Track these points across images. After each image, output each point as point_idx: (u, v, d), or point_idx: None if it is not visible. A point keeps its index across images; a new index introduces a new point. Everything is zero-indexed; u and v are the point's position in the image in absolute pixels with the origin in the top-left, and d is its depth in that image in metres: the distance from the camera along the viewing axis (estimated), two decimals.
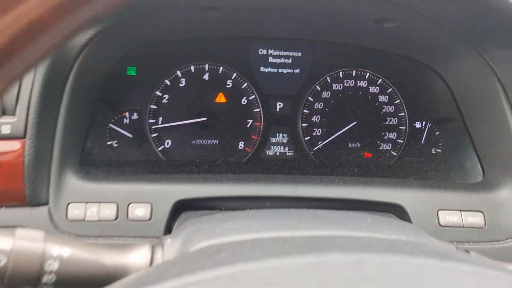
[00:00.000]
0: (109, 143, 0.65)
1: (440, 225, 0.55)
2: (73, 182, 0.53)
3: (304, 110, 0.69)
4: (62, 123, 0.53)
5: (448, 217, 0.57)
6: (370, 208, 0.56)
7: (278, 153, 0.69)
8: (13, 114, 0.49)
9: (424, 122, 0.70)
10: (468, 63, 0.58)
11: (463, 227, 0.55)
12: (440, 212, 0.56)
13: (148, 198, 0.53)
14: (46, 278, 0.35)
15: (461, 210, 0.56)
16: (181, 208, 0.53)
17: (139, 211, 0.53)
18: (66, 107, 0.53)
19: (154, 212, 0.53)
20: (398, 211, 0.56)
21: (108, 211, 0.53)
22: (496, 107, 0.58)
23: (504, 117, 0.57)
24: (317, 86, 0.69)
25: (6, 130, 0.48)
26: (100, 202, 0.53)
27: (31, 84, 0.49)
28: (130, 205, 0.53)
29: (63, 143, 0.53)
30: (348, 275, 0.26)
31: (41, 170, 0.51)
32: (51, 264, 0.35)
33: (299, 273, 0.27)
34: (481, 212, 0.56)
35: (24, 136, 0.49)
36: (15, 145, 0.49)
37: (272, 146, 0.69)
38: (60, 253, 0.35)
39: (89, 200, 0.52)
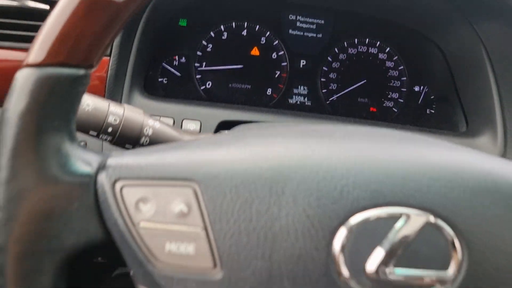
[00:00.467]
0: (160, 80, 0.78)
1: None
2: (139, 100, 0.66)
3: (324, 68, 0.82)
4: (133, 54, 0.66)
5: None
6: None
7: (298, 102, 0.82)
8: None
9: (422, 87, 0.84)
10: (461, 33, 0.72)
11: None
12: None
13: (198, 116, 0.66)
14: (143, 140, 0.47)
15: None
16: (224, 128, 0.66)
17: (191, 125, 0.66)
18: (136, 42, 0.67)
19: (202, 128, 0.66)
20: None
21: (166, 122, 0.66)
22: (481, 73, 0.71)
23: (487, 81, 0.71)
24: (336, 49, 0.82)
25: None
26: (160, 116, 0.66)
27: None
28: (184, 120, 0.66)
29: (134, 68, 0.66)
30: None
31: (117, 85, 0.64)
32: (147, 129, 0.48)
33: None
34: None
35: (109, 55, 0.62)
36: (103, 60, 0.62)
37: (294, 96, 0.82)
38: (153, 124, 0.48)
39: (152, 114, 0.65)
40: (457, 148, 0.38)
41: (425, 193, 0.34)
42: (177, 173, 0.33)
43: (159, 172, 0.33)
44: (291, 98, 0.82)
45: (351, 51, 0.83)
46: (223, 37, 0.80)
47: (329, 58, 0.82)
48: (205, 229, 0.32)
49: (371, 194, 0.33)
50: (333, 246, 0.32)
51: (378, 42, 0.83)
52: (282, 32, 0.81)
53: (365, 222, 0.33)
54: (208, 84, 0.80)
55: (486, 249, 0.34)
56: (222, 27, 0.80)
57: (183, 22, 0.79)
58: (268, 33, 0.81)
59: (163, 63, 0.78)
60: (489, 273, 0.34)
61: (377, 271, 0.33)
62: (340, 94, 0.82)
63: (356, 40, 0.83)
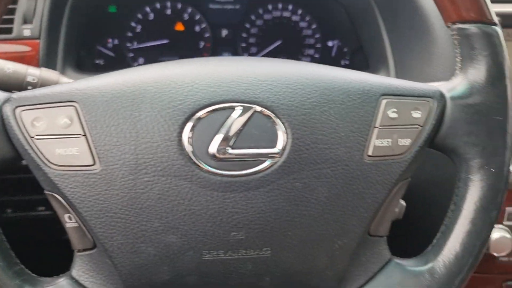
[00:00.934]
0: (97, 61, 0.88)
1: None
2: (71, 77, 0.76)
3: (243, 35, 0.92)
4: (63, 38, 0.76)
5: None
6: None
7: None
8: (31, 22, 0.72)
9: (335, 41, 0.94)
10: None
11: None
12: None
13: None
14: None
15: None
16: None
17: None
18: (64, 28, 0.76)
19: None
20: None
21: None
22: (373, 19, 0.81)
23: (378, 26, 0.81)
24: (252, 16, 0.92)
25: (27, 33, 0.71)
26: None
27: (42, 5, 0.73)
28: None
29: (64, 51, 0.76)
30: None
31: (49, 65, 0.74)
32: None
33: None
34: None
35: (39, 38, 0.72)
36: (34, 44, 0.72)
37: None
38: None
39: None
40: (286, 60, 0.48)
41: (253, 90, 0.44)
42: (62, 98, 0.43)
43: (48, 98, 0.43)
44: None
45: (267, 16, 0.93)
46: (149, 18, 0.90)
47: (247, 25, 0.92)
48: (85, 135, 0.42)
49: (210, 94, 0.43)
50: (182, 136, 0.42)
51: (291, 6, 0.93)
52: (203, 7, 0.91)
53: (207, 117, 0.43)
54: (141, 61, 0.90)
55: (305, 127, 0.44)
56: (147, 8, 0.90)
57: (112, 9, 0.89)
58: (190, 9, 0.91)
59: (98, 46, 0.88)
60: (308, 145, 0.44)
61: (217, 152, 0.43)
62: (260, 55, 0.92)
63: (270, 6, 0.93)
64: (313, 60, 0.93)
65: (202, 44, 0.91)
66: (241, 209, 0.43)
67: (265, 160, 0.43)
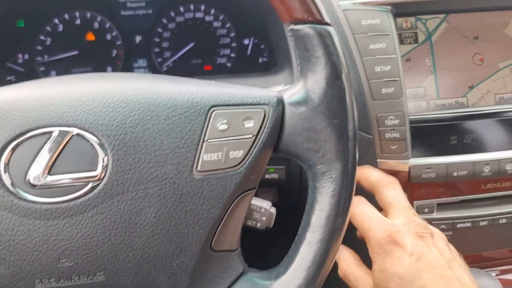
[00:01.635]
0: (8, 78, 0.87)
1: None
2: None
3: (155, 39, 0.90)
4: None
5: None
6: None
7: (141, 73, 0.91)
8: None
9: (250, 39, 0.92)
10: None
11: None
12: None
13: None
14: None
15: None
16: None
17: None
18: None
19: None
20: None
21: None
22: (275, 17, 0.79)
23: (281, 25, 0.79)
24: (164, 20, 0.90)
25: None
26: None
27: None
28: None
29: None
30: None
31: None
32: None
33: None
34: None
35: None
36: None
37: (135, 69, 0.91)
38: None
39: None
40: (116, 76, 0.47)
41: (71, 113, 0.42)
42: None
43: None
44: (133, 71, 0.90)
45: (179, 19, 0.91)
46: (59, 30, 0.88)
47: (159, 30, 0.90)
48: None
49: (27, 121, 0.42)
50: None
51: (203, 6, 0.91)
52: (113, 14, 0.90)
53: (24, 144, 0.42)
54: (53, 74, 0.88)
55: (126, 147, 0.42)
56: (56, 20, 0.88)
57: (20, 23, 0.88)
58: (99, 17, 0.89)
59: (7, 63, 0.87)
60: (131, 165, 0.43)
61: (35, 180, 0.42)
62: (172, 59, 0.90)
63: (182, 8, 0.91)
64: (229, 59, 0.91)
65: (114, 52, 0.90)
66: (66, 236, 0.42)
67: (86, 184, 0.42)
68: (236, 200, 0.45)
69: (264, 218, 0.53)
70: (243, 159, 0.44)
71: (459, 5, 0.74)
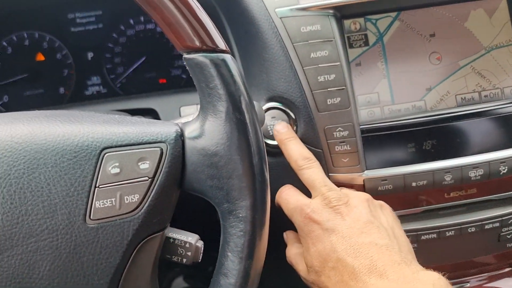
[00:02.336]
0: None
1: (180, 116, 0.74)
2: None
3: (106, 55, 0.87)
4: None
5: (186, 110, 0.75)
6: (136, 113, 0.75)
7: (95, 92, 0.88)
8: None
9: None
10: None
11: None
12: (181, 108, 0.75)
13: None
14: None
15: (197, 104, 0.74)
16: None
17: None
18: None
19: None
20: (154, 114, 0.75)
21: None
22: (220, 22, 0.75)
23: (226, 31, 0.75)
24: (114, 34, 0.87)
25: None
26: None
27: None
28: None
29: None
30: None
31: None
32: None
33: None
34: None
35: None
36: None
37: (89, 87, 0.88)
38: None
39: None
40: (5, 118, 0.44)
41: None
42: None
43: None
44: (87, 90, 0.88)
45: (130, 32, 0.87)
46: (8, 52, 0.86)
47: (110, 45, 0.87)
48: None
49: None
50: None
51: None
52: (63, 32, 0.87)
53: None
54: (5, 98, 0.87)
55: (12, 199, 0.40)
56: (4, 43, 0.86)
57: None
58: (48, 37, 0.87)
59: None
60: (18, 218, 0.40)
61: None
62: (125, 75, 0.87)
63: (132, 21, 0.87)
64: (184, 71, 0.88)
65: (66, 71, 0.87)
66: None
67: None
68: (139, 245, 0.42)
69: (189, 253, 0.50)
70: (140, 204, 0.41)
71: (412, 1, 0.69)
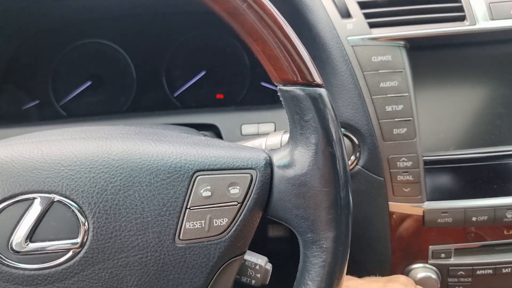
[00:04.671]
0: (24, 107, 0.89)
1: (242, 134, 0.75)
2: None
3: (166, 67, 0.90)
4: None
5: (248, 129, 0.76)
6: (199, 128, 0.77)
7: (151, 103, 0.90)
8: None
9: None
10: None
11: (258, 134, 0.75)
12: (242, 126, 0.76)
13: None
14: None
15: (258, 123, 0.76)
16: None
17: None
18: None
19: None
20: (215, 129, 0.77)
21: None
22: None
23: None
24: (176, 47, 0.90)
25: None
26: None
27: None
28: None
29: None
30: None
31: None
32: None
33: None
34: (273, 123, 0.75)
35: None
36: None
37: (148, 98, 0.90)
38: None
39: None
40: (98, 137, 0.45)
41: (53, 178, 0.42)
42: None
43: None
44: (145, 100, 0.90)
45: (191, 46, 0.90)
46: (73, 59, 0.89)
47: (170, 57, 0.89)
48: None
49: (10, 186, 0.42)
50: None
51: (215, 32, 0.89)
52: (127, 42, 0.90)
53: (6, 210, 0.42)
54: (67, 101, 0.90)
55: (107, 215, 0.41)
56: (70, 50, 0.89)
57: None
58: (112, 46, 0.89)
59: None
60: (112, 233, 0.42)
61: (17, 246, 0.41)
62: (183, 88, 0.89)
63: (193, 34, 0.89)
64: (243, 87, 0.89)
65: (127, 81, 0.90)
66: None
67: (67, 252, 0.41)
68: (222, 267, 0.43)
69: (259, 275, 0.51)
70: (228, 227, 0.42)
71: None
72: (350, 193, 0.43)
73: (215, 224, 0.42)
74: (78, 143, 0.44)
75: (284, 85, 0.43)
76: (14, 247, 0.41)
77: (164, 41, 0.90)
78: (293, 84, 0.42)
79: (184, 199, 0.42)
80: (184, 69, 0.90)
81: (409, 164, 0.65)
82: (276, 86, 0.44)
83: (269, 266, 0.51)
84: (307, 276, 0.43)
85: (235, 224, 0.42)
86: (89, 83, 0.89)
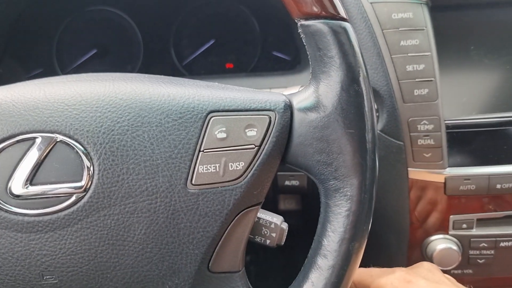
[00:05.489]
0: (27, 76, 0.86)
1: None
2: None
3: (175, 36, 0.87)
4: None
5: None
6: None
7: (160, 72, 0.87)
8: None
9: (274, 35, 0.86)
10: None
11: None
12: None
13: None
14: None
15: (270, 88, 0.72)
16: None
17: None
18: None
19: None
20: None
21: None
22: None
23: None
24: (184, 16, 0.86)
25: None
26: None
27: None
28: None
29: None
30: None
31: None
32: None
33: None
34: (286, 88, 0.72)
35: None
36: None
37: (155, 67, 0.87)
38: None
39: None
40: (105, 77, 0.42)
41: (56, 117, 0.39)
42: None
43: None
44: (153, 69, 0.87)
45: (200, 14, 0.86)
46: (77, 27, 0.86)
47: (179, 26, 0.86)
48: None
49: (9, 125, 0.39)
50: None
51: (225, 1, 0.86)
52: (133, 9, 0.87)
53: (5, 151, 0.39)
54: (71, 71, 0.87)
55: (114, 156, 0.38)
56: (74, 18, 0.86)
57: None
58: (119, 13, 0.86)
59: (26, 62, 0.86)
60: (118, 176, 0.39)
61: (17, 190, 0.38)
62: (192, 57, 0.86)
63: (202, 3, 0.86)
64: (253, 56, 0.86)
65: (133, 50, 0.87)
66: (49, 250, 0.39)
67: (70, 196, 0.38)
68: (237, 217, 0.40)
69: (274, 235, 0.47)
70: (244, 172, 0.39)
71: None
72: (376, 136, 0.40)
73: (230, 168, 0.39)
74: (83, 83, 0.41)
75: (306, 19, 0.40)
76: (13, 191, 0.38)
77: (173, 9, 0.87)
78: (315, 17, 0.39)
79: (197, 141, 0.39)
80: (193, 37, 0.87)
81: (430, 127, 0.62)
82: (297, 22, 0.41)
83: (285, 226, 0.48)
84: (329, 227, 0.40)
85: (251, 169, 0.39)
86: (94, 51, 0.86)
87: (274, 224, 0.47)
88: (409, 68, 0.61)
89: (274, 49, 0.86)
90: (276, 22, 0.85)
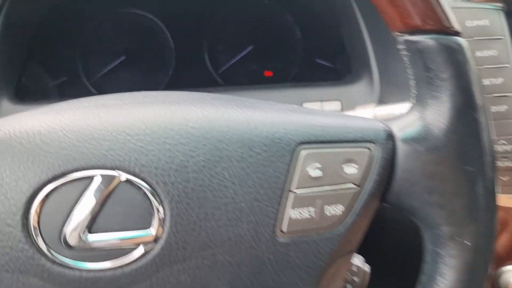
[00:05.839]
0: (51, 84, 0.80)
1: None
2: (8, 106, 0.68)
3: (210, 42, 0.80)
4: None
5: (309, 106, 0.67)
6: None
7: (192, 81, 0.81)
8: None
9: (319, 41, 0.80)
10: None
11: None
12: (304, 105, 0.67)
13: None
14: None
15: (321, 101, 0.66)
16: None
17: None
18: None
19: None
20: None
21: None
22: (354, 20, 0.67)
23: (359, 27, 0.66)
24: (219, 20, 0.80)
25: None
26: None
27: None
28: None
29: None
30: None
31: None
32: None
33: None
34: (339, 101, 0.66)
35: None
36: None
37: (188, 75, 0.81)
38: None
39: None
40: (173, 97, 0.36)
41: (117, 150, 0.32)
42: None
43: None
44: (186, 77, 0.81)
45: (236, 18, 0.80)
46: (106, 31, 0.80)
47: (214, 30, 0.80)
48: None
49: (61, 159, 0.32)
50: (29, 218, 0.32)
51: (264, 4, 0.80)
52: (165, 13, 0.80)
53: (58, 191, 0.32)
54: (98, 78, 0.81)
55: (188, 199, 0.32)
56: (101, 21, 0.80)
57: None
58: (149, 17, 0.80)
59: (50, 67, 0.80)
60: (195, 223, 0.32)
61: (72, 239, 0.32)
62: (228, 65, 0.80)
63: (239, 6, 0.80)
64: (295, 64, 0.80)
65: (165, 56, 0.80)
66: None
67: (136, 247, 0.32)
68: (332, 268, 0.34)
69: (357, 279, 0.41)
70: (342, 217, 0.33)
71: None
72: (496, 173, 0.34)
73: (326, 212, 0.33)
74: (144, 108, 0.35)
75: (411, 33, 0.33)
76: (68, 241, 0.32)
77: (207, 12, 0.80)
78: (425, 32, 0.33)
79: (286, 179, 0.33)
80: (229, 43, 0.80)
81: (509, 148, 0.56)
82: (397, 36, 0.34)
83: (367, 268, 0.42)
84: (441, 281, 0.34)
85: (352, 213, 0.33)
86: (122, 58, 0.80)
87: (356, 266, 0.41)
88: (486, 82, 0.55)
89: (317, 57, 0.80)
90: (319, 26, 0.79)
